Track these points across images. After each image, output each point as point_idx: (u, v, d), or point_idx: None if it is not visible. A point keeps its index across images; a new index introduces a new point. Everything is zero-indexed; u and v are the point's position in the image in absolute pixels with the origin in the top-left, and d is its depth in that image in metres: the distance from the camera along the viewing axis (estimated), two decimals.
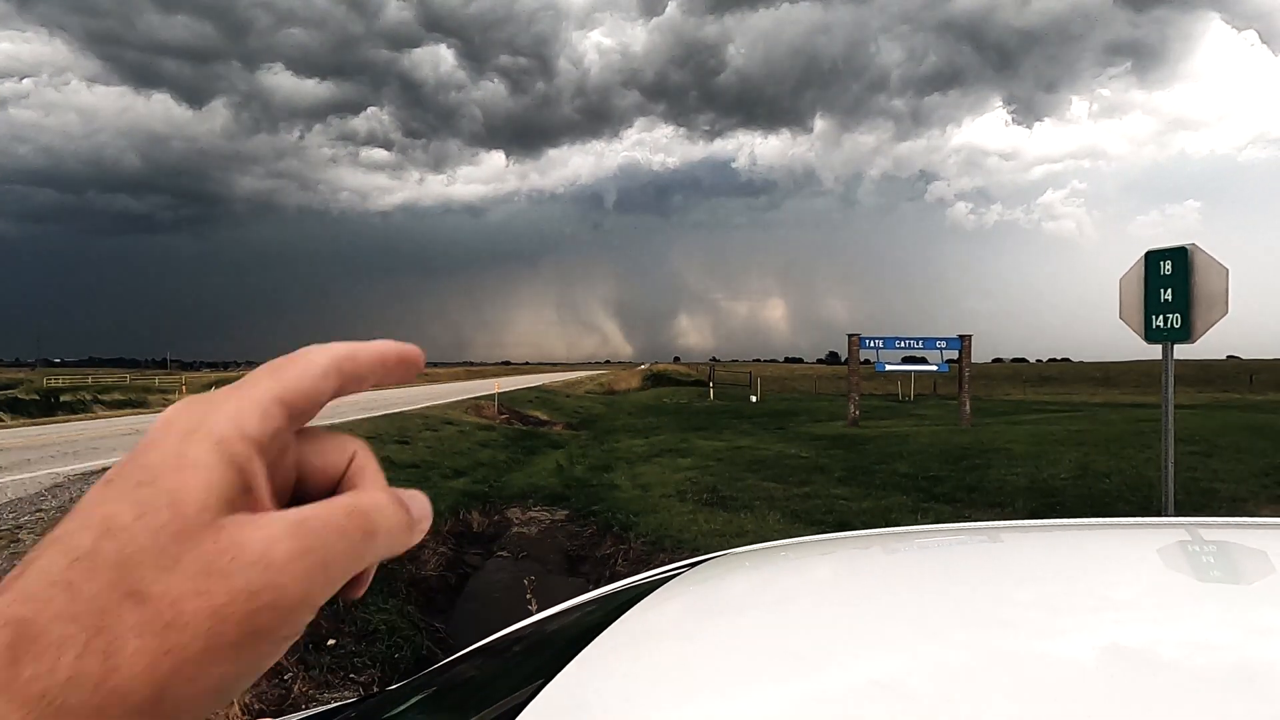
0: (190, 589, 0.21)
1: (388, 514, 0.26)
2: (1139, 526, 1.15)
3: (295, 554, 0.23)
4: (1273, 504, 6.37)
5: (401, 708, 0.77)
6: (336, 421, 14.27)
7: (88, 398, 28.59)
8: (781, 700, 0.55)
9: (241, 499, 0.23)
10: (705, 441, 12.54)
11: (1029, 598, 0.74)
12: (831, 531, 6.23)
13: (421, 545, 6.79)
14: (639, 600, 0.82)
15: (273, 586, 0.22)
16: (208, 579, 0.22)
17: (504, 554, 7.03)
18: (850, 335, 16.00)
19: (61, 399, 27.50)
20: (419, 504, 0.28)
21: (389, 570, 5.62)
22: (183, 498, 0.22)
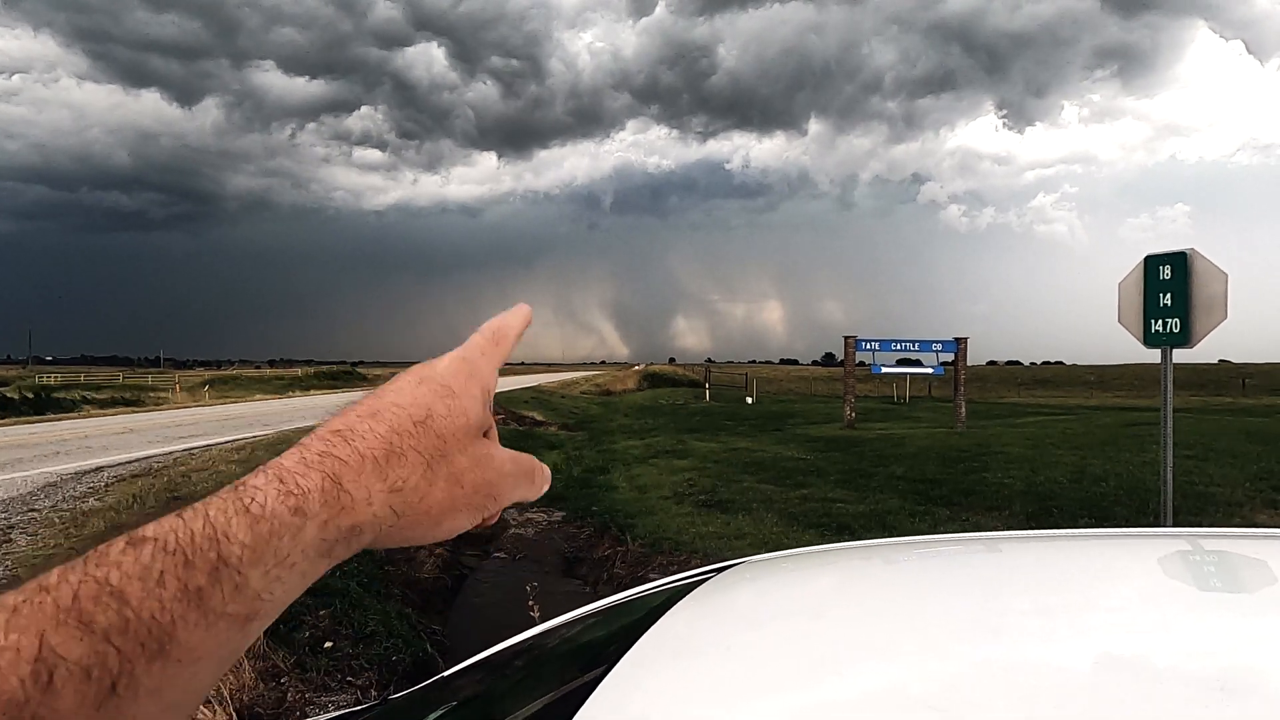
0: (467, 467, 0.36)
1: (546, 476, 0.42)
2: (1142, 537, 1.17)
3: (509, 474, 0.38)
4: (1268, 508, 6.40)
5: (432, 716, 0.76)
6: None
7: (80, 396, 28.40)
8: (820, 711, 0.55)
9: (484, 430, 0.38)
10: (702, 443, 12.53)
11: (1055, 608, 0.75)
12: (829, 535, 6.24)
13: (416, 547, 6.78)
14: (667, 607, 0.81)
15: (496, 486, 0.37)
16: (476, 467, 0.36)
17: (501, 555, 7.01)
18: (846, 337, 16.03)
19: (54, 397, 27.31)
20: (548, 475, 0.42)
21: (384, 572, 5.59)
22: (470, 414, 0.36)
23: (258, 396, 30.76)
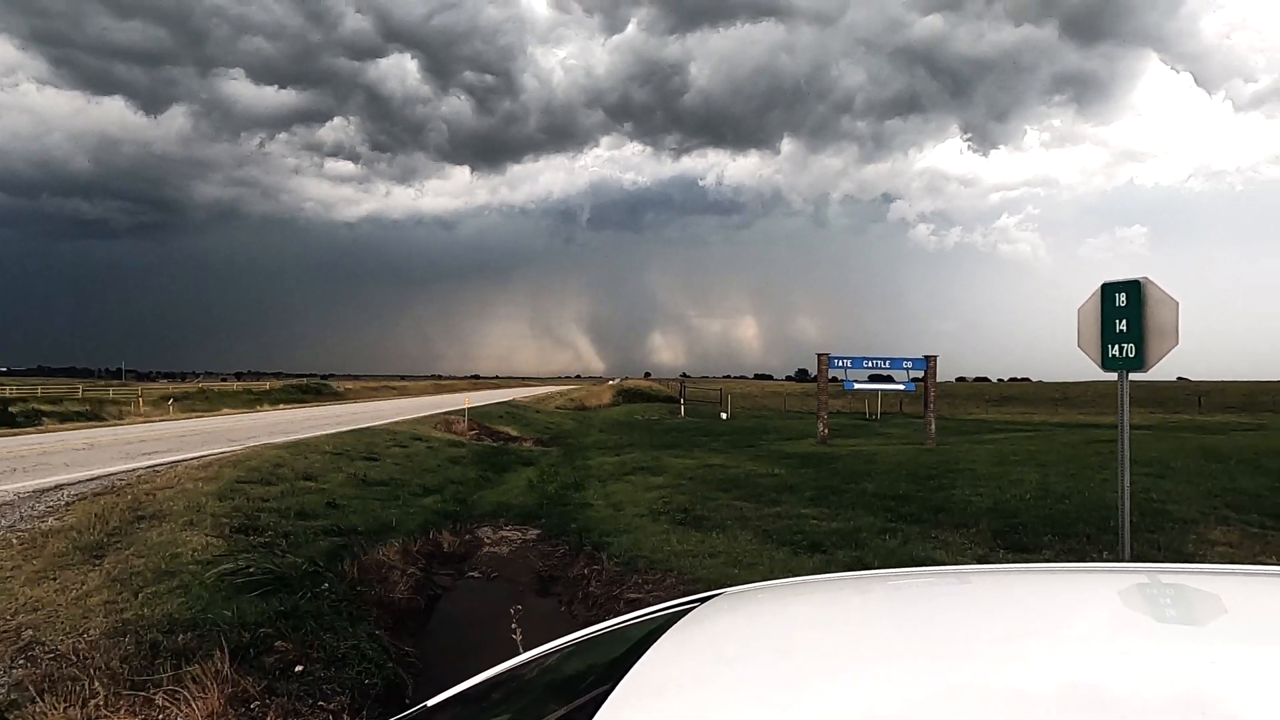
0: None
1: None
2: (1105, 572, 1.25)
3: None
4: (1222, 524, 6.63)
5: None
6: (305, 436, 13.95)
7: (37, 409, 27.49)
8: None
9: None
10: (676, 459, 12.58)
11: (1028, 644, 0.81)
12: (802, 553, 6.29)
13: (390, 566, 6.68)
14: (650, 640, 0.85)
15: None
16: None
17: (475, 575, 6.96)
18: (819, 354, 16.28)
19: (9, 411, 26.40)
20: None
21: (357, 593, 5.52)
22: None
23: (225, 411, 30.07)
